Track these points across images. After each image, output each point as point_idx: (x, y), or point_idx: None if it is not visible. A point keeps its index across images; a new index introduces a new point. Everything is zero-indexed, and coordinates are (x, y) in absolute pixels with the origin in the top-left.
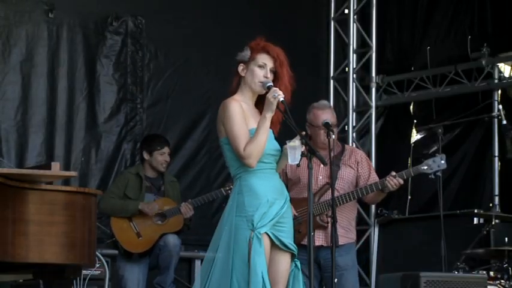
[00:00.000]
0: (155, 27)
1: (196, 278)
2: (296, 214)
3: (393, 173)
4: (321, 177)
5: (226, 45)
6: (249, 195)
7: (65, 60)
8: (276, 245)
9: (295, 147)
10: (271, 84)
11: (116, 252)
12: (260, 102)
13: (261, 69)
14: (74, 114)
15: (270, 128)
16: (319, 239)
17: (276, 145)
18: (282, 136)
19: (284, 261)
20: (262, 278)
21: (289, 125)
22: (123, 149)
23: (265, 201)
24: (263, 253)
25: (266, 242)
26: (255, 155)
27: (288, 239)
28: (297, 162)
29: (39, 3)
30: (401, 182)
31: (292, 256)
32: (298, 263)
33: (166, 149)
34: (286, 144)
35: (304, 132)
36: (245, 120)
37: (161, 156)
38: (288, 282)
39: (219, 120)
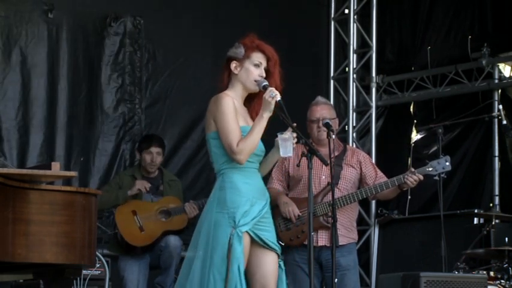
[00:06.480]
0: (154, 28)
1: (178, 278)
2: (300, 214)
3: (412, 169)
4: (323, 177)
5: (224, 45)
6: (231, 192)
7: (65, 61)
8: (261, 246)
9: (286, 139)
10: (267, 83)
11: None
12: (247, 101)
13: (256, 68)
14: (74, 114)
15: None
16: (322, 239)
17: (262, 146)
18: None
19: (271, 262)
20: (239, 275)
21: (287, 124)
22: (122, 149)
23: (246, 200)
24: (242, 251)
25: (246, 240)
26: (246, 152)
27: (271, 238)
28: (290, 155)
29: (39, 3)
30: (421, 177)
31: (277, 256)
32: (282, 263)
33: (154, 149)
34: (277, 136)
35: (295, 124)
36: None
37: (148, 156)
38: None
39: (210, 114)
